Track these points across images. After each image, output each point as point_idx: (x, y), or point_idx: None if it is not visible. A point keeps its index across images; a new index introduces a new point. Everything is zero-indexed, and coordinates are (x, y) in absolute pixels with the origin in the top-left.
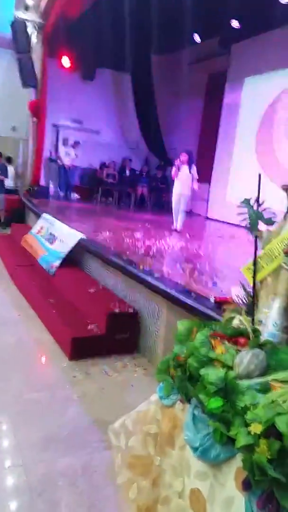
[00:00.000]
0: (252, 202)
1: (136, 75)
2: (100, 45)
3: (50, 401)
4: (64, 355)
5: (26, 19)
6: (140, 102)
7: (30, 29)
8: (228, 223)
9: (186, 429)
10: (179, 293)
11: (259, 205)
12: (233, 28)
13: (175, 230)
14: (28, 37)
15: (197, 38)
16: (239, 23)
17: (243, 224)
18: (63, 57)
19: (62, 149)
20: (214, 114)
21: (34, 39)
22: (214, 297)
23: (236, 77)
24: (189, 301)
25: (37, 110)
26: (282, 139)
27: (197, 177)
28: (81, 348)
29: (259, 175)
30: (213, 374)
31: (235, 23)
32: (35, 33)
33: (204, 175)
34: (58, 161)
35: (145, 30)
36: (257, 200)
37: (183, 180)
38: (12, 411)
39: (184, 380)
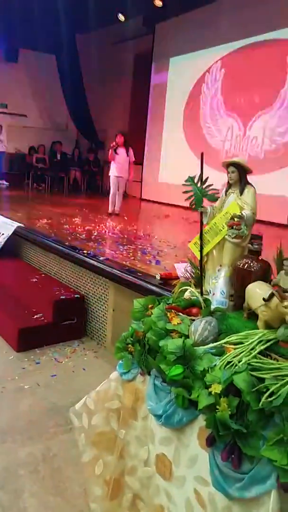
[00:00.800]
0: (196, 180)
1: (61, 56)
2: (22, 24)
3: (2, 394)
4: (10, 347)
5: None
6: (67, 83)
7: None
8: (161, 203)
9: (148, 399)
10: (124, 273)
11: (202, 182)
12: (156, 7)
13: (112, 213)
14: None
15: (121, 17)
16: (162, 2)
17: (186, 203)
18: None
19: None
20: (143, 94)
21: None
22: (160, 274)
23: (162, 57)
24: (135, 280)
25: None
26: (207, 117)
27: (134, 160)
28: (29, 339)
29: (202, 154)
30: (172, 344)
31: (158, 2)
32: None
33: (136, 157)
34: None
35: (69, 8)
36: (201, 177)
37: (120, 162)
38: None
39: (144, 353)
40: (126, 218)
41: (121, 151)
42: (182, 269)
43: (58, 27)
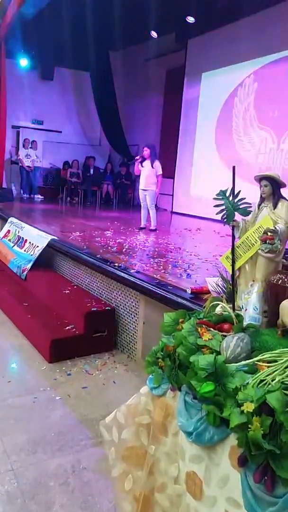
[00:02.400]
0: (227, 193)
1: (95, 73)
2: (58, 43)
3: (33, 404)
4: (42, 358)
5: None
6: (100, 99)
7: None
8: (193, 216)
9: (179, 416)
10: (155, 286)
11: (234, 196)
12: (189, 23)
13: (143, 228)
14: None
15: (153, 34)
16: (194, 18)
17: (218, 217)
18: (20, 57)
19: (22, 151)
20: (174, 109)
21: None
22: (190, 288)
23: (194, 72)
24: (166, 294)
25: None
26: (240, 131)
27: (161, 172)
28: (61, 350)
29: (233, 167)
30: (203, 360)
31: (190, 19)
32: None
33: (168, 170)
34: (20, 162)
35: (102, 27)
36: (233, 191)
37: (146, 175)
38: None
39: (174, 369)
40: (157, 231)
41: (147, 163)
42: (213, 283)
43: (92, 45)
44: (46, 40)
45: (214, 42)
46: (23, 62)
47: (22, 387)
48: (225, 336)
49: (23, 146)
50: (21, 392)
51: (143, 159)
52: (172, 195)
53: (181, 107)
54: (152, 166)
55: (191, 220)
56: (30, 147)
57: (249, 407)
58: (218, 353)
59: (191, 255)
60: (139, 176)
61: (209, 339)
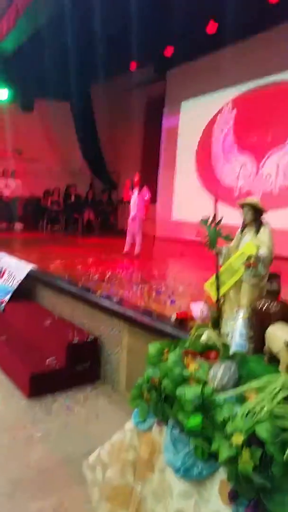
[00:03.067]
0: (209, 220)
1: (75, 103)
2: (38, 76)
3: (12, 443)
4: (21, 393)
5: None
6: (81, 128)
7: None
8: (175, 240)
9: (165, 451)
10: (139, 314)
11: (216, 224)
12: (167, 55)
13: (126, 253)
14: None
15: (133, 65)
16: (172, 50)
17: (202, 242)
18: (0, 89)
19: (1, 180)
20: (155, 136)
21: None
22: (176, 313)
23: (173, 101)
24: (150, 322)
25: None
26: (220, 157)
27: (146, 198)
28: (41, 384)
29: (215, 198)
30: (189, 392)
31: (168, 51)
32: None
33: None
34: None
35: (82, 59)
36: (214, 218)
37: (134, 201)
38: None
39: (160, 402)
40: (139, 257)
41: (135, 190)
42: (198, 309)
43: (72, 76)
44: (26, 73)
45: (192, 72)
46: (3, 94)
47: (0, 425)
48: (212, 365)
49: (3, 175)
50: None
51: (133, 186)
52: (155, 220)
53: (161, 135)
54: (139, 192)
55: (174, 245)
56: (10, 177)
57: (238, 439)
58: (205, 382)
59: (174, 280)
60: (127, 202)
61: (195, 369)
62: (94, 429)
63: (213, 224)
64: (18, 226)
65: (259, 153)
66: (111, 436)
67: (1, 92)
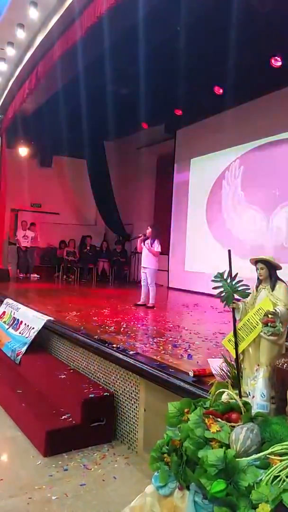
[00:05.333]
0: (225, 276)
1: (91, 160)
2: (55, 135)
3: (28, 505)
4: (37, 451)
5: None
6: (96, 183)
7: None
8: (188, 291)
9: None
10: (156, 370)
11: (232, 279)
12: (177, 115)
13: (140, 304)
14: None
15: (144, 125)
16: (182, 111)
17: (214, 291)
18: (20, 147)
19: (20, 232)
20: (166, 190)
21: None
22: (193, 370)
23: (183, 159)
24: (167, 378)
25: None
26: (229, 209)
27: (158, 250)
28: (56, 442)
29: (229, 251)
30: (212, 455)
31: (178, 112)
32: None
33: (162, 247)
34: (17, 243)
35: (96, 119)
36: (230, 274)
37: (146, 253)
38: None
39: (182, 465)
40: (155, 308)
41: (148, 242)
42: (216, 365)
43: (88, 136)
44: (45, 132)
45: (201, 131)
46: (23, 151)
47: (16, 485)
48: (234, 426)
49: (21, 226)
50: (15, 491)
51: (146, 238)
52: (168, 271)
53: (172, 189)
54: (151, 245)
55: (187, 296)
56: (28, 229)
57: (265, 509)
58: (227, 446)
59: (190, 333)
60: (140, 253)
61: (217, 431)
62: (111, 491)
63: (228, 279)
64: (34, 276)
65: (268, 207)
66: (129, 500)
67: (21, 149)
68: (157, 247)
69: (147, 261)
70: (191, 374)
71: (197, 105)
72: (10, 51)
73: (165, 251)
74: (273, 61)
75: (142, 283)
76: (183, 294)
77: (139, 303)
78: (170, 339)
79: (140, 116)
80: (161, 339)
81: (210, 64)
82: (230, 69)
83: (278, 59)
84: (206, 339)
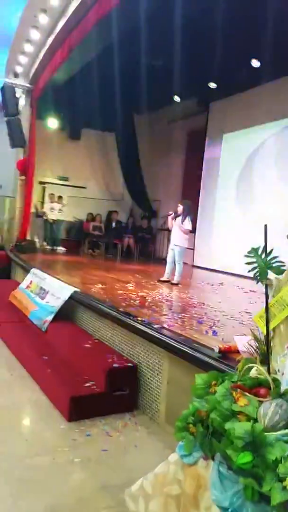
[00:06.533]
0: (259, 251)
1: (120, 134)
2: (85, 107)
3: (52, 466)
4: (61, 416)
5: (15, 84)
6: (124, 158)
7: (18, 93)
8: (214, 270)
9: (212, 488)
10: (181, 344)
11: (267, 254)
12: (211, 88)
13: (164, 281)
14: (16, 101)
15: (177, 98)
16: (216, 84)
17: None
18: (50, 118)
19: (48, 204)
20: (195, 167)
21: (22, 101)
22: (218, 346)
23: (215, 134)
24: (192, 352)
25: (25, 169)
26: (260, 189)
27: (188, 228)
28: (80, 408)
29: (265, 226)
30: (239, 428)
31: (212, 85)
32: (23, 96)
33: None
34: (44, 216)
35: (128, 92)
36: (265, 249)
37: (176, 231)
38: (12, 478)
39: (208, 436)
40: (180, 285)
41: (178, 219)
42: (243, 343)
43: (118, 109)
44: (75, 103)
45: (235, 105)
46: (53, 123)
47: (40, 446)
48: (262, 402)
49: (49, 199)
50: (39, 452)
51: (177, 215)
52: (193, 249)
53: (202, 165)
54: (182, 222)
55: (213, 274)
56: (55, 201)
57: None
58: (255, 420)
59: (215, 311)
60: (168, 230)
61: (245, 404)
62: (132, 459)
63: (263, 255)
64: (60, 249)
65: None
66: (149, 468)
67: (51, 121)
68: (187, 224)
69: (177, 239)
70: (216, 350)
71: (232, 78)
72: (43, 19)
73: (193, 228)
74: None
75: (168, 260)
76: (208, 272)
77: (162, 279)
78: (195, 315)
79: (173, 89)
80: (186, 315)
81: (247, 36)
82: (268, 41)
83: None
84: (232, 317)
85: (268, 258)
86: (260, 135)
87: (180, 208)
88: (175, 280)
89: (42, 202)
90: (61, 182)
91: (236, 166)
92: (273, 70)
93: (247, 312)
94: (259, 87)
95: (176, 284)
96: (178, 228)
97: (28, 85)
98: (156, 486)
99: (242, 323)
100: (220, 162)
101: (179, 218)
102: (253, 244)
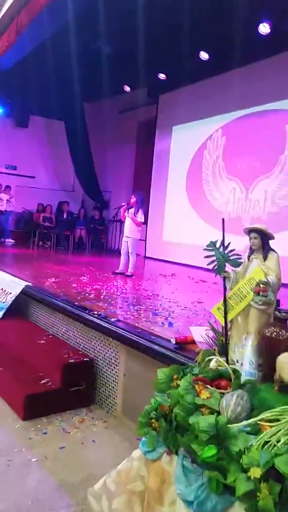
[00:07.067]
0: (217, 245)
1: (69, 122)
2: (33, 93)
3: (7, 468)
4: (15, 415)
5: None
6: (75, 147)
7: None
8: (165, 261)
9: (177, 482)
10: (137, 336)
11: (225, 247)
12: (160, 80)
13: (118, 273)
14: None
15: (127, 88)
16: (165, 75)
17: (210, 267)
18: None
19: None
20: (146, 158)
21: None
22: (175, 337)
23: (165, 125)
24: (149, 344)
25: None
26: (209, 181)
27: (140, 220)
28: (35, 406)
29: (223, 219)
30: (203, 421)
31: (161, 76)
32: None
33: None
34: None
35: (77, 79)
36: (223, 242)
37: (129, 222)
38: None
39: (171, 431)
40: (133, 277)
41: (131, 211)
42: (199, 333)
43: (67, 96)
44: (22, 90)
45: (184, 98)
46: None
47: None
48: (223, 393)
49: None
50: None
51: (130, 207)
52: (145, 241)
53: (152, 157)
54: (134, 214)
55: (164, 265)
56: (3, 191)
57: (256, 472)
58: (218, 412)
59: (169, 302)
60: (121, 222)
61: (207, 397)
62: (91, 454)
63: (221, 248)
64: (9, 241)
65: (247, 179)
66: (108, 463)
67: None
68: (140, 216)
69: (130, 231)
70: (173, 341)
71: (181, 70)
72: None
73: (144, 220)
74: (261, 28)
75: (121, 252)
76: (160, 263)
77: (117, 271)
78: (150, 307)
79: (123, 78)
80: (141, 307)
81: (197, 28)
82: (218, 34)
83: (267, 26)
84: (186, 307)
85: (226, 251)
86: (208, 127)
87: (133, 200)
88: (129, 271)
89: None
90: (8, 171)
91: (186, 158)
92: (221, 63)
93: (199, 302)
94: (208, 80)
95: (130, 276)
96: (130, 219)
97: None
98: (120, 483)
99: (195, 313)
100: (170, 154)
101: (132, 210)
102: (202, 235)
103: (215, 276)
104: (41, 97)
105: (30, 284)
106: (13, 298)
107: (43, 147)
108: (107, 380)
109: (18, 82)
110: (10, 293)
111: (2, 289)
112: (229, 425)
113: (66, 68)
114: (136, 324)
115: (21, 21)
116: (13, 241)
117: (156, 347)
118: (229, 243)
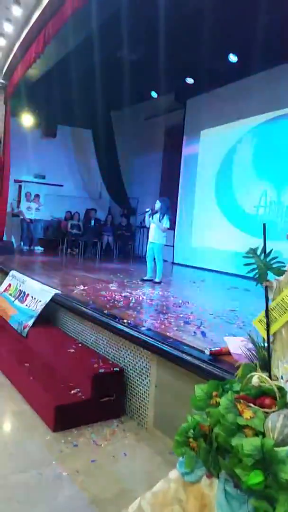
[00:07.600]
0: (258, 252)
1: (96, 131)
2: (61, 103)
3: (39, 482)
4: (46, 426)
5: None
6: (102, 155)
7: None
8: (194, 267)
9: (219, 509)
10: (169, 346)
11: (266, 255)
12: (188, 84)
13: (146, 280)
14: None
15: (154, 94)
16: (193, 80)
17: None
18: (24, 116)
19: (24, 203)
20: (173, 164)
21: None
22: (209, 348)
23: (192, 130)
24: (181, 355)
25: (0, 168)
26: (239, 185)
27: (166, 226)
28: (66, 417)
29: (264, 225)
30: (247, 444)
31: (189, 80)
32: None
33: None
34: (20, 215)
35: (104, 87)
36: (264, 249)
37: (154, 228)
38: None
39: (211, 452)
40: (162, 284)
41: (156, 217)
42: (236, 344)
43: (94, 105)
44: (50, 100)
45: (212, 101)
46: (27, 120)
47: (26, 460)
48: (268, 413)
49: (25, 198)
50: (25, 467)
51: (155, 212)
52: (173, 246)
53: (180, 163)
54: (160, 220)
55: (193, 272)
56: (32, 200)
57: None
58: (262, 434)
59: (200, 309)
60: (148, 228)
61: (250, 417)
62: (122, 468)
63: (262, 256)
64: (38, 248)
65: (279, 182)
66: (140, 477)
67: (25, 118)
68: (166, 222)
69: (155, 236)
70: (207, 352)
71: (209, 73)
72: (16, 11)
73: (171, 226)
74: None
75: (147, 258)
76: (188, 269)
77: (145, 278)
78: (181, 315)
79: (150, 84)
80: (171, 315)
81: (225, 31)
82: (246, 37)
83: None
84: (217, 316)
85: (268, 259)
86: (237, 131)
87: (157, 206)
88: (157, 278)
89: (19, 201)
90: (37, 180)
91: (215, 163)
92: (250, 65)
93: (232, 310)
94: (237, 83)
95: (159, 283)
96: (156, 225)
97: (1, 81)
98: (155, 506)
99: (228, 322)
100: (198, 159)
101: (157, 215)
102: (232, 240)
103: (256, 285)
104: (68, 106)
105: (59, 292)
106: (43, 306)
107: (71, 156)
108: (138, 391)
109: (45, 92)
110: (40, 301)
111: (32, 297)
112: (276, 449)
113: (92, 76)
114: (167, 333)
115: (49, 32)
116: (42, 248)
117: (189, 358)
118: (271, 250)
